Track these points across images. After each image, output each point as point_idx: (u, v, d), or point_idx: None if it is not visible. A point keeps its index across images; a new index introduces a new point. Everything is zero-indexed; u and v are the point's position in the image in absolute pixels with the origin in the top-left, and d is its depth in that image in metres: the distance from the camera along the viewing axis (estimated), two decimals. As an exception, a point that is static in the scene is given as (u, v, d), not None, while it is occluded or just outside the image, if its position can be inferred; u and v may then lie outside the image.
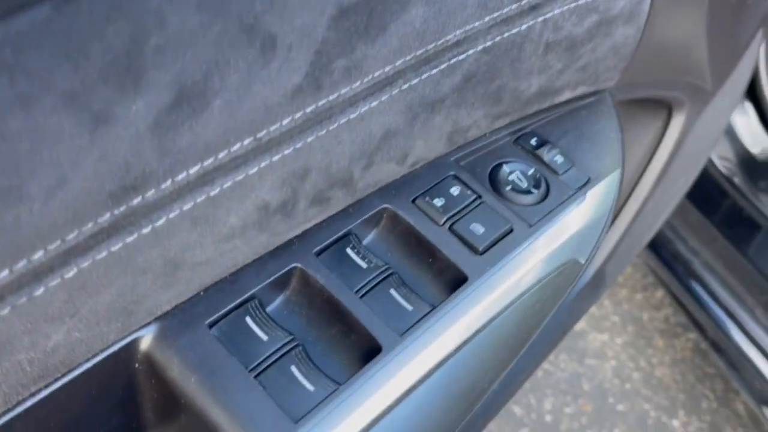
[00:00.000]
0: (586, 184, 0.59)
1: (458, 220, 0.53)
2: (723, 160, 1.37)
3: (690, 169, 0.99)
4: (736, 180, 1.35)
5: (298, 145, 0.41)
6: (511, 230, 0.54)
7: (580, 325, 1.77)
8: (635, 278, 1.91)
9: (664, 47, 0.69)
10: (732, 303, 1.37)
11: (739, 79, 0.96)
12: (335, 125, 0.42)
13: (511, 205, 0.56)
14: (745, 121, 1.37)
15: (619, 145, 0.64)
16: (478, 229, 0.53)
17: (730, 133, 1.37)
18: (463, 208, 0.54)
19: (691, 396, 1.68)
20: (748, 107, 1.38)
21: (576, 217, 0.57)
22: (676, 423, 1.63)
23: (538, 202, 0.57)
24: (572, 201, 0.57)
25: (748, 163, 1.36)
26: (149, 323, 0.42)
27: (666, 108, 0.83)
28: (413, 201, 0.53)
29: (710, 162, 1.38)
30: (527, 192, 0.57)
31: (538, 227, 0.55)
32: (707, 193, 1.40)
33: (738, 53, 0.90)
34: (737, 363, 1.40)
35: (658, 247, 1.49)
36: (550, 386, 1.67)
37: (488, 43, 0.48)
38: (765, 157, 1.35)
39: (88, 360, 0.39)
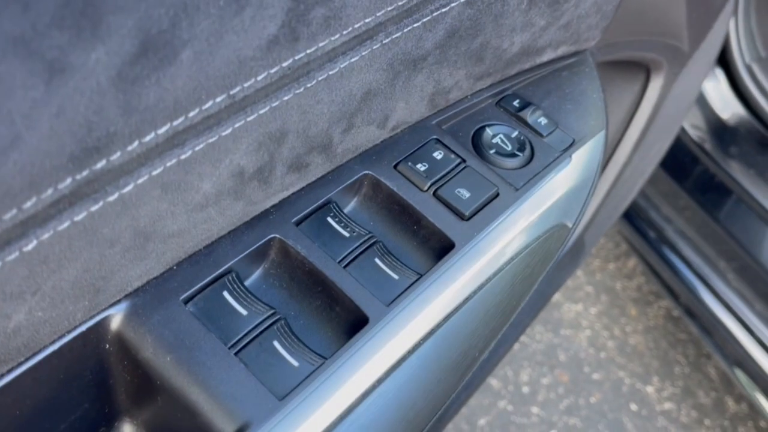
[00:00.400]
0: (572, 145, 0.57)
1: (443, 185, 0.51)
2: (694, 127, 1.37)
3: (666, 133, 0.98)
4: (707, 146, 1.36)
5: (275, 104, 0.38)
6: (498, 194, 0.52)
7: (555, 296, 1.77)
8: (608, 248, 1.92)
9: (645, 6, 0.67)
10: (704, 268, 1.38)
11: (714, 41, 0.95)
12: (313, 82, 0.39)
13: (496, 168, 0.54)
14: (716, 86, 1.37)
15: (602, 106, 0.62)
16: (464, 194, 0.51)
17: (701, 100, 1.37)
18: (447, 173, 0.52)
19: (664, 362, 1.70)
20: (719, 73, 1.38)
21: (562, 180, 0.55)
22: (650, 389, 1.65)
23: (524, 165, 0.55)
24: (558, 163, 0.55)
25: (719, 129, 1.36)
26: (119, 300, 0.39)
27: (644, 71, 0.82)
28: (395, 166, 0.51)
29: (681, 129, 1.38)
30: (512, 155, 0.55)
31: (525, 191, 0.53)
32: (679, 160, 1.40)
33: (713, 14, 0.89)
34: (710, 327, 1.42)
35: (631, 215, 1.50)
36: (526, 358, 1.67)
37: (472, -4, 0.46)
38: (735, 122, 1.36)
39: (53, 342, 0.36)
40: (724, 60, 1.36)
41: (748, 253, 1.29)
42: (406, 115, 0.51)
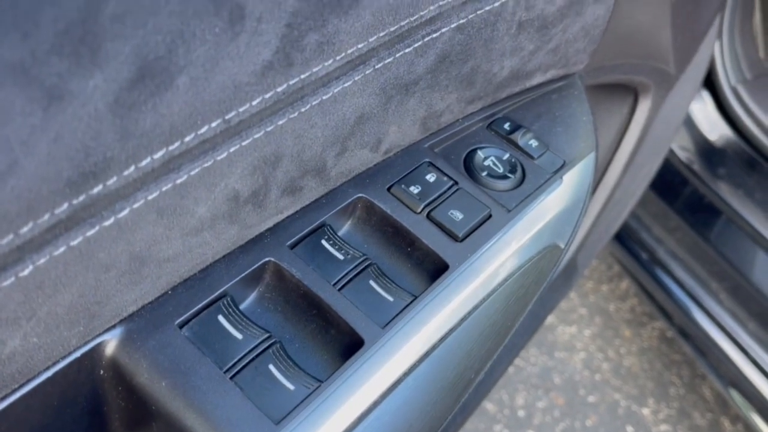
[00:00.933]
0: (562, 167, 0.58)
1: (436, 207, 0.51)
2: (682, 149, 1.39)
3: (655, 154, 0.99)
4: (696, 167, 1.37)
5: (269, 128, 0.38)
6: (490, 216, 0.52)
7: (549, 319, 1.77)
8: (600, 270, 1.92)
9: (632, 30, 0.68)
10: (697, 289, 1.38)
11: (700, 63, 0.97)
12: (307, 107, 0.40)
13: (488, 190, 0.54)
14: (703, 108, 1.39)
15: (592, 128, 0.63)
16: (457, 215, 0.51)
17: (688, 122, 1.39)
18: (440, 195, 0.52)
19: (659, 383, 1.70)
20: (705, 95, 1.40)
21: (554, 201, 0.56)
22: (646, 411, 1.65)
23: (515, 187, 0.55)
24: (549, 185, 0.56)
25: (707, 150, 1.38)
26: (114, 326, 0.39)
27: (632, 93, 0.83)
28: (389, 189, 0.51)
29: (670, 150, 1.39)
30: (503, 177, 0.55)
31: (517, 212, 0.53)
32: (668, 182, 1.41)
33: (699, 38, 0.91)
34: (704, 348, 1.42)
35: (622, 236, 1.51)
36: (521, 381, 1.66)
37: (462, 21, 0.46)
38: (723, 143, 1.37)
39: (48, 368, 0.36)
40: (711, 82, 1.39)
41: (740, 273, 1.30)
42: (398, 139, 0.51)
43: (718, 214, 1.35)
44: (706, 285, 1.37)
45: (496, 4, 0.47)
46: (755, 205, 1.30)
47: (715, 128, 1.38)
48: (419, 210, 0.50)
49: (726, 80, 1.37)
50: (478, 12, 0.47)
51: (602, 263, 1.94)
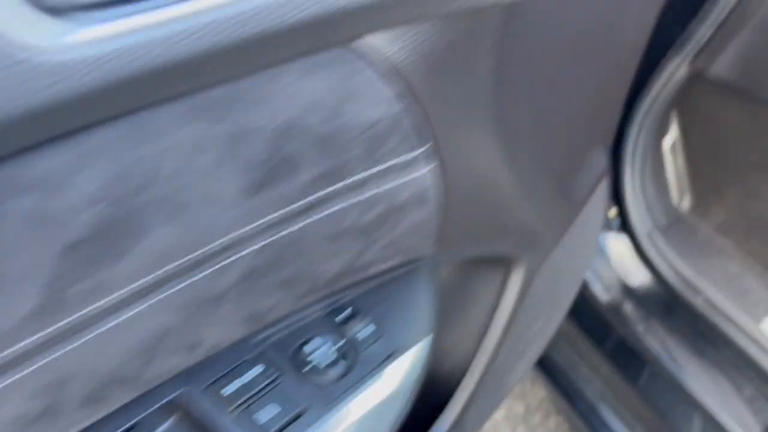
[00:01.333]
0: (391, 356, 0.62)
1: (253, 403, 0.55)
2: (603, 291, 1.43)
3: (547, 311, 1.03)
4: (617, 310, 1.41)
5: (49, 358, 0.42)
6: (306, 410, 0.55)
7: (492, 454, 1.75)
8: (548, 402, 1.92)
9: (477, 216, 0.74)
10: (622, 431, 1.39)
11: (588, 223, 1.02)
12: (93, 334, 0.44)
13: (314, 380, 0.58)
14: (621, 252, 1.45)
15: (431, 312, 0.67)
16: (272, 411, 0.54)
17: (608, 265, 1.44)
18: (260, 391, 0.56)
19: None
20: (624, 239, 1.46)
21: (376, 393, 0.59)
22: None
23: (340, 379, 0.59)
24: (373, 375, 0.60)
25: (626, 293, 1.42)
26: None
27: (505, 261, 0.88)
28: (207, 387, 0.55)
29: (593, 294, 1.44)
30: (329, 368, 0.59)
31: (335, 404, 0.57)
32: (594, 323, 1.45)
33: (579, 203, 0.96)
34: (635, 493, 1.40)
35: (552, 373, 1.52)
36: None
37: (264, 242, 0.52)
38: (641, 287, 1.42)
39: None
40: (628, 227, 1.45)
41: (662, 418, 1.31)
42: (219, 339, 0.55)
43: (640, 357, 1.37)
44: (631, 428, 1.38)
45: (295, 228, 0.53)
46: (673, 351, 1.33)
47: (633, 272, 1.44)
48: (232, 408, 0.54)
49: (641, 226, 1.44)
50: (279, 234, 0.52)
51: (551, 394, 1.93)
